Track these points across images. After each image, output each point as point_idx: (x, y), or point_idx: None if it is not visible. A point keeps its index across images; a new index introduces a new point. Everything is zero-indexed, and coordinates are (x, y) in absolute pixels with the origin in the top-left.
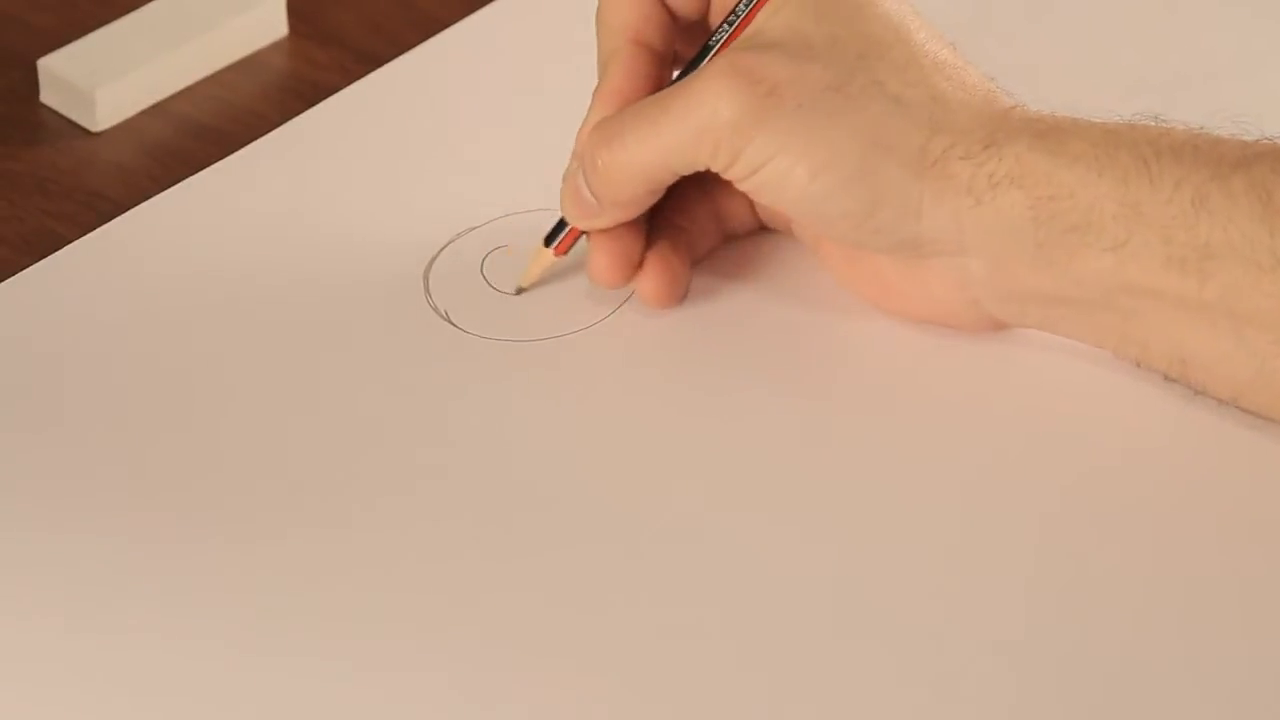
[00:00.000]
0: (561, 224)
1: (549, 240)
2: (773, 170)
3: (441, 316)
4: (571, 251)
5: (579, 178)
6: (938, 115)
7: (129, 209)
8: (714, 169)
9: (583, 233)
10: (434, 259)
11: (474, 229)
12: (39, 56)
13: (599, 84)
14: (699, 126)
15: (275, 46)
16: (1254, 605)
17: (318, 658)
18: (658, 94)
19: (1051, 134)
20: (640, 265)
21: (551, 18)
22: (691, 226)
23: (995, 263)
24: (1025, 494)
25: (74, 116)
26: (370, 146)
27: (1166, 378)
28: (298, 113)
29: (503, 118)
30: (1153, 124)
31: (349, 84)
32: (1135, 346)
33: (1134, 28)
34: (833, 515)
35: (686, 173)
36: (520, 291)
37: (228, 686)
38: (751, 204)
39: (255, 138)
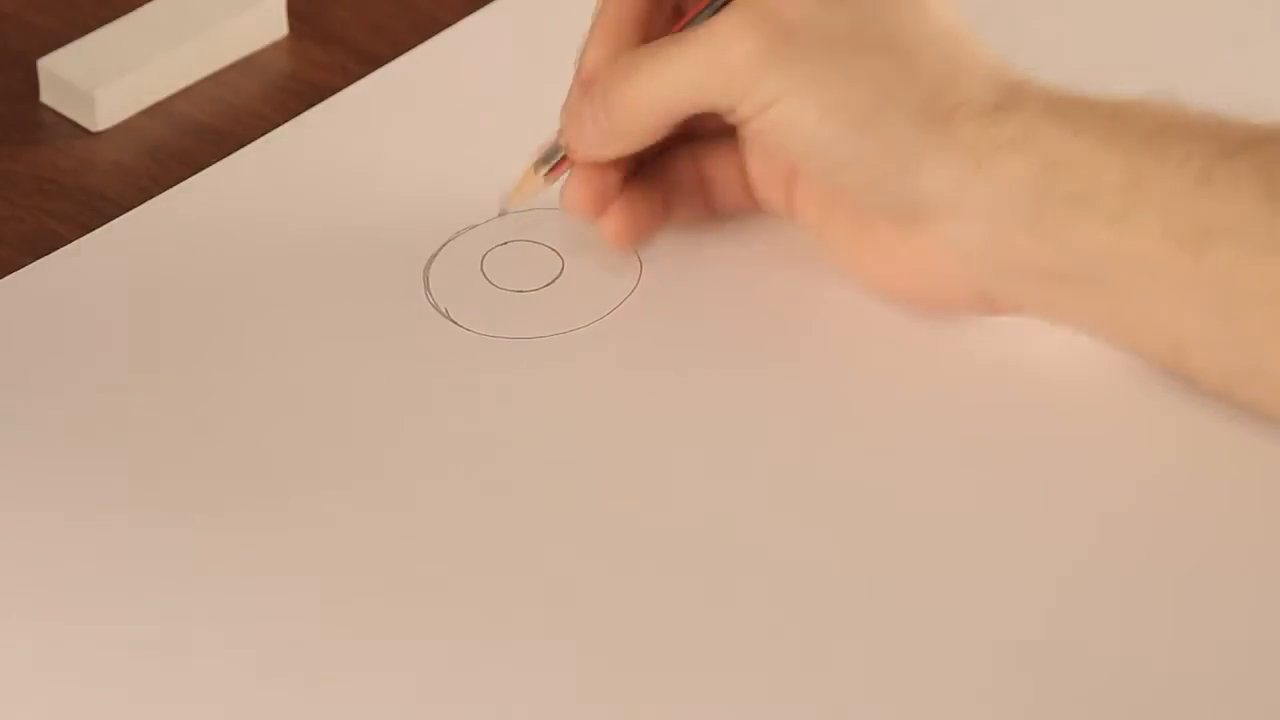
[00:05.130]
0: (553, 152)
1: (539, 166)
2: (782, 109)
3: (442, 314)
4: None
5: (584, 108)
6: (948, 76)
7: (129, 209)
8: (724, 107)
9: (570, 165)
10: (434, 257)
11: (474, 227)
12: (39, 56)
13: (596, 13)
14: (710, 61)
15: (275, 46)
16: (1250, 603)
17: (314, 654)
18: (679, 33)
19: (1062, 104)
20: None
21: (551, 18)
22: (675, 187)
23: (992, 231)
24: (1021, 487)
25: (74, 116)
26: (370, 146)
27: (1162, 365)
28: (298, 113)
29: (503, 117)
30: (1164, 101)
31: (349, 84)
32: (1128, 331)
33: (1140, 14)
34: (833, 513)
35: (697, 110)
36: (503, 214)
37: (224, 685)
38: (742, 177)
39: (255, 138)
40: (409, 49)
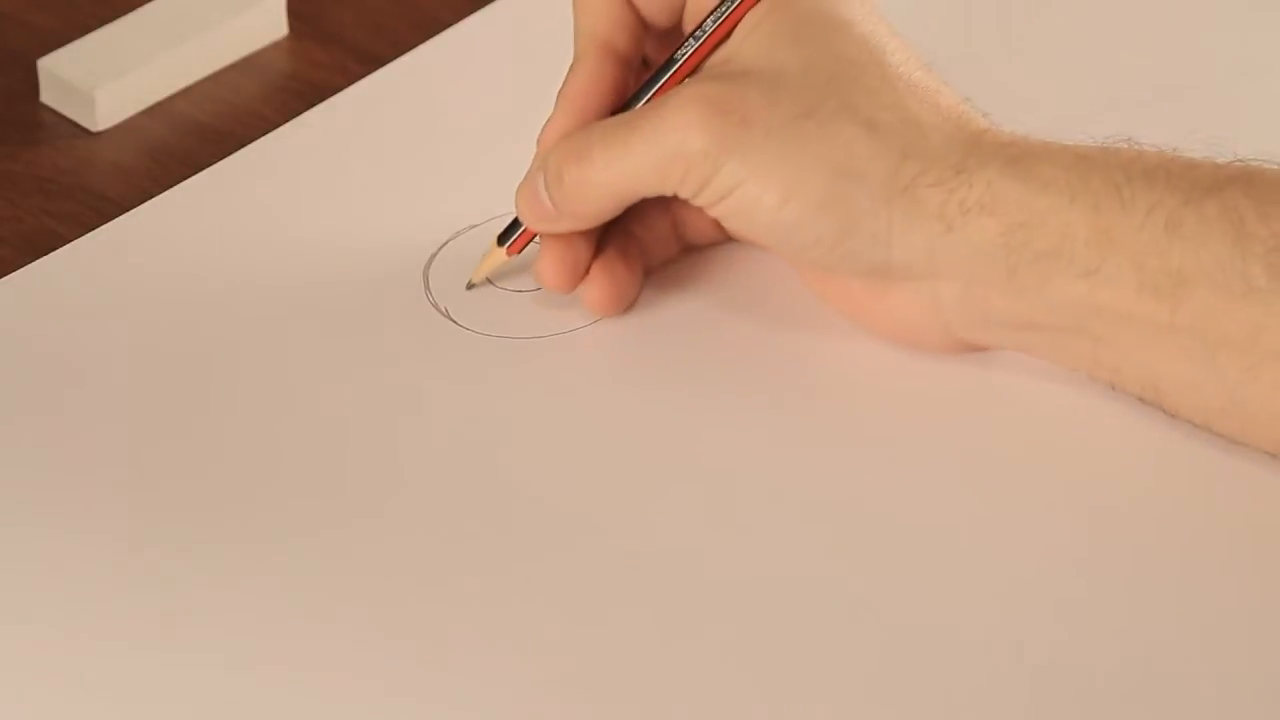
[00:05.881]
0: (516, 224)
1: (502, 239)
2: (741, 197)
3: (442, 314)
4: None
5: (539, 183)
6: (909, 140)
7: (129, 209)
8: (682, 195)
9: (536, 234)
10: (434, 257)
11: (474, 227)
12: (39, 56)
13: (562, 85)
14: (668, 154)
15: (275, 46)
16: (1250, 612)
17: (311, 658)
18: (627, 114)
19: (1023, 159)
20: (587, 273)
21: (552, 18)
22: (647, 235)
23: (967, 289)
24: (1005, 513)
25: (74, 116)
26: (370, 146)
27: (1141, 400)
28: (298, 113)
29: (503, 118)
30: (1125, 147)
31: (349, 84)
32: (1108, 371)
33: (1113, 42)
34: (834, 514)
35: (653, 195)
36: (470, 287)
37: (222, 686)
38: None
39: (255, 138)
40: (409, 49)
